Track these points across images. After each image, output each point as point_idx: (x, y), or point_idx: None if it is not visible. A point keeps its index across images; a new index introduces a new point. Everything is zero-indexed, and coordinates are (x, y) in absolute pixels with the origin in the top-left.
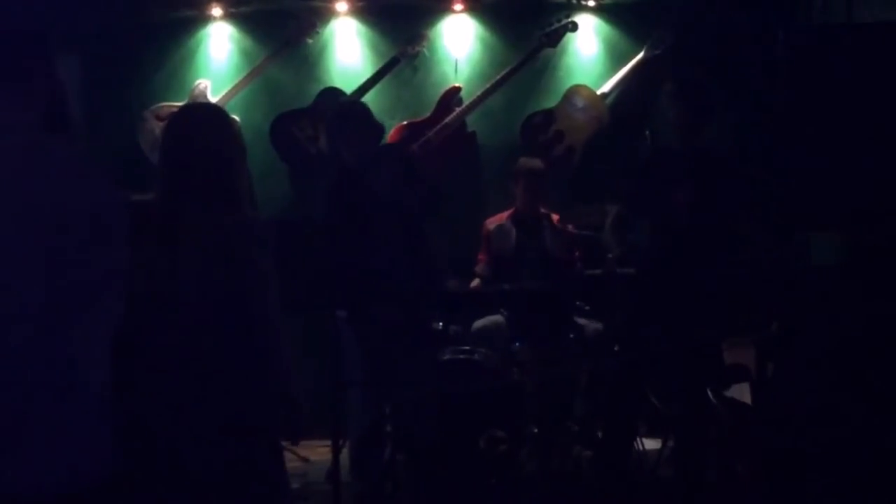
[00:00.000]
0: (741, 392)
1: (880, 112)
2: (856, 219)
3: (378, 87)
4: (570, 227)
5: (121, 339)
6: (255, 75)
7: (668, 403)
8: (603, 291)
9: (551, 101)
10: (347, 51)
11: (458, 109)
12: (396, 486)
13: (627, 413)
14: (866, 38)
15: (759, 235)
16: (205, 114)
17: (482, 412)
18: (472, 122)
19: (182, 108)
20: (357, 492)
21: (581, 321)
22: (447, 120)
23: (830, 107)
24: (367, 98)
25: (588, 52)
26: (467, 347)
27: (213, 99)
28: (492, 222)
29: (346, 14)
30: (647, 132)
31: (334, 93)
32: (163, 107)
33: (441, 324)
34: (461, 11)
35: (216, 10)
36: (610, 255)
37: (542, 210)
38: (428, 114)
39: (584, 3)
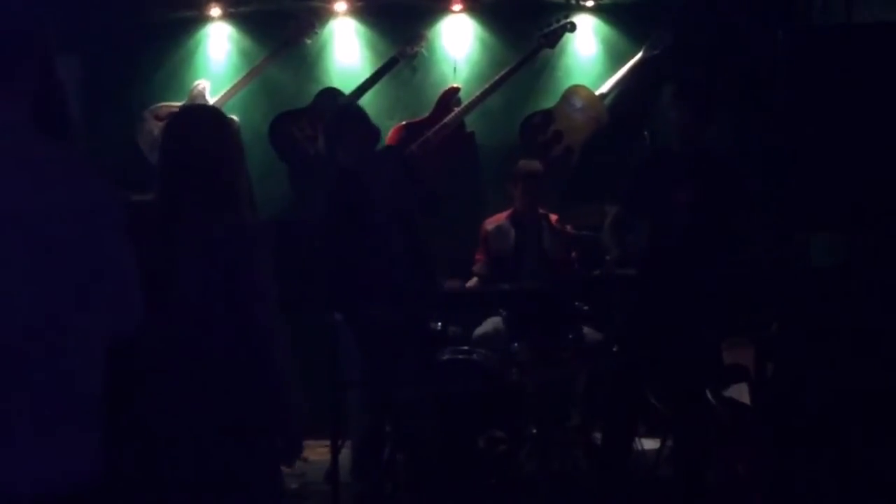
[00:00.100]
0: (740, 392)
1: (880, 112)
2: (855, 220)
3: (377, 87)
4: (568, 227)
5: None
6: (254, 75)
7: (667, 404)
8: (601, 292)
9: (550, 102)
10: (346, 51)
11: (456, 110)
12: (396, 486)
13: (626, 413)
14: (866, 39)
15: (759, 236)
16: (203, 116)
17: (481, 412)
18: (470, 122)
19: (181, 111)
20: (356, 492)
21: (585, 330)
22: (446, 120)
23: (830, 107)
24: (366, 98)
25: (587, 52)
26: (466, 348)
27: (212, 99)
28: (490, 223)
29: (345, 14)
30: (646, 132)
31: (333, 93)
32: (162, 107)
33: (440, 324)
34: (460, 12)
35: (215, 11)
36: (608, 257)
37: (541, 210)
38: (427, 114)
39: (582, 3)
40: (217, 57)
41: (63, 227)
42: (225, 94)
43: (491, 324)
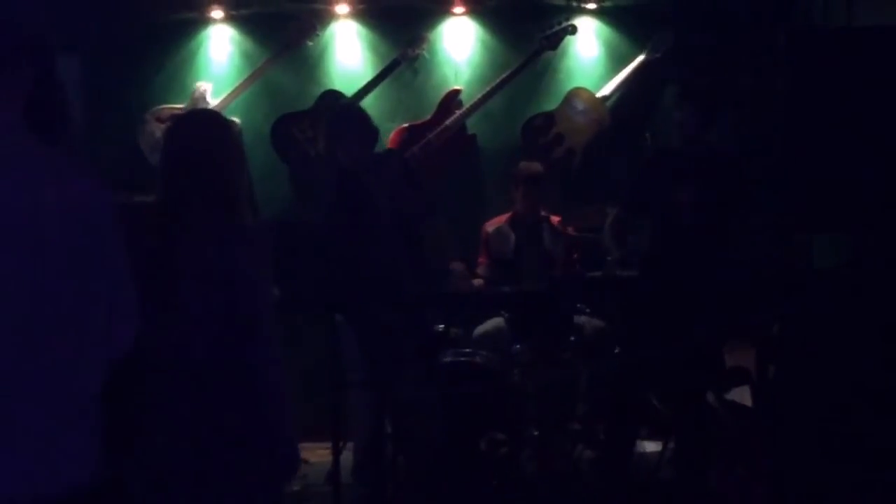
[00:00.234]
0: (742, 395)
1: (881, 114)
2: (857, 221)
3: (378, 89)
4: (570, 229)
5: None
6: (256, 77)
7: (668, 406)
8: (603, 293)
9: (551, 104)
10: (348, 53)
11: (458, 112)
12: (397, 487)
13: (628, 415)
14: (867, 41)
15: (761, 237)
16: (205, 119)
17: (483, 414)
18: (472, 124)
19: (183, 115)
20: (357, 494)
21: (581, 319)
22: (447, 122)
23: (831, 109)
24: (368, 101)
25: (588, 54)
26: (468, 350)
27: (214, 101)
28: (491, 225)
29: (347, 16)
30: (648, 135)
31: (335, 95)
32: (163, 109)
33: (442, 326)
34: (461, 14)
35: (217, 13)
36: (609, 258)
37: (542, 212)
38: (428, 116)
39: (584, 5)
40: (219, 59)
41: (57, 229)
42: (227, 96)
43: (492, 323)
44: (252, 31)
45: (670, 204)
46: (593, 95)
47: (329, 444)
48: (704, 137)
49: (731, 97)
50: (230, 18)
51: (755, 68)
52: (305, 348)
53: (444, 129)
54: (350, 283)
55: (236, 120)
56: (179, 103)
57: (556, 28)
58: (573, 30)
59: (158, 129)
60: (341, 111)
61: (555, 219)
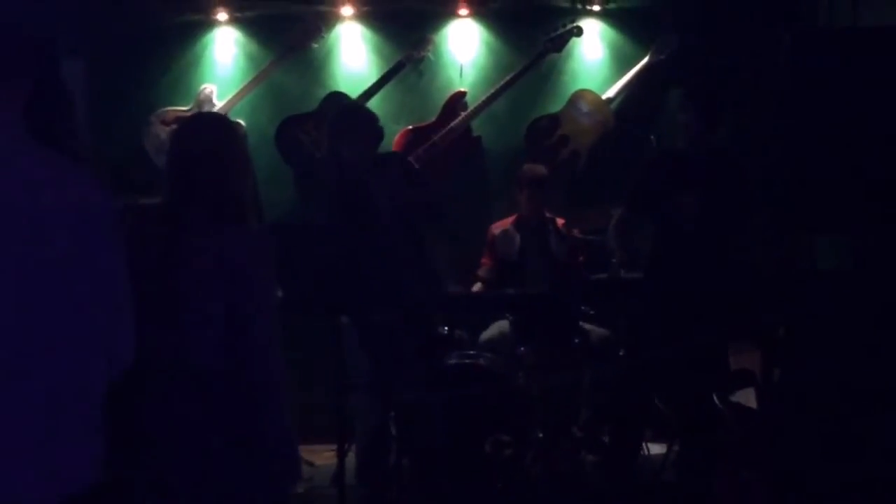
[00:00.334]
0: (747, 397)
1: (885, 115)
2: (861, 222)
3: (383, 91)
4: (575, 231)
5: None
6: (261, 80)
7: (673, 408)
8: (608, 296)
9: (556, 106)
10: (353, 55)
11: (463, 114)
12: (402, 490)
13: (633, 417)
14: (871, 42)
15: (765, 239)
16: (211, 123)
17: (487, 416)
18: (477, 126)
19: (189, 118)
20: (362, 495)
21: (587, 327)
22: (452, 124)
23: (836, 110)
24: (373, 102)
25: (593, 56)
26: (473, 352)
27: (219, 103)
28: (497, 227)
29: (352, 18)
30: (652, 137)
31: (339, 97)
32: (168, 111)
33: (446, 328)
34: (466, 16)
35: (222, 15)
36: (614, 260)
37: (547, 214)
38: (433, 118)
39: (589, 7)
40: (223, 61)
41: (55, 233)
42: (231, 98)
43: (497, 328)
44: (257, 33)
45: (674, 206)
46: (598, 97)
47: (334, 446)
48: (709, 139)
49: (735, 99)
50: (235, 20)
51: (759, 69)
52: (310, 350)
53: (448, 131)
54: (352, 284)
55: (241, 122)
56: (185, 105)
57: (561, 30)
58: (578, 32)
59: (163, 131)
60: (346, 110)
61: (559, 221)
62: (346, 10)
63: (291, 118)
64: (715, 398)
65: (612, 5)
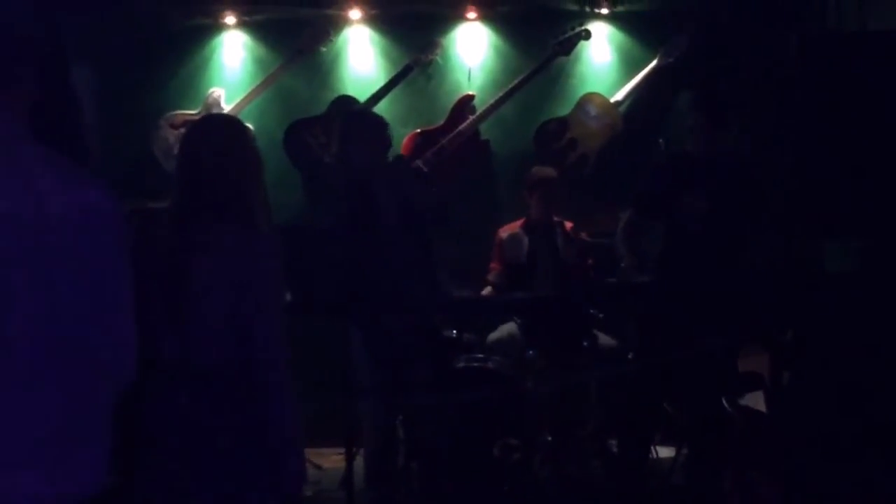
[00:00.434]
0: (755, 400)
1: (893, 119)
2: (870, 226)
3: (391, 94)
4: (583, 234)
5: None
6: (269, 83)
7: (682, 411)
8: (616, 299)
9: (565, 109)
10: (361, 59)
11: (471, 117)
12: (410, 493)
13: (642, 421)
14: (879, 46)
15: (773, 242)
16: (222, 125)
17: (496, 420)
18: (485, 129)
19: (200, 119)
20: (371, 499)
21: (595, 333)
22: (460, 128)
23: (844, 114)
24: (381, 106)
25: (601, 59)
26: (481, 355)
27: (227, 107)
28: (504, 230)
29: (360, 22)
30: (661, 140)
31: (348, 101)
32: (177, 115)
33: (455, 332)
34: (474, 20)
35: (230, 19)
36: (623, 264)
37: (556, 218)
38: (441, 122)
39: (597, 11)
40: (232, 65)
41: (63, 239)
42: (240, 101)
43: (505, 329)
44: (265, 36)
45: (683, 209)
46: (606, 100)
47: (342, 450)
48: (717, 142)
49: (743, 102)
50: (243, 24)
51: (767, 73)
52: (318, 353)
53: (457, 135)
54: (358, 288)
55: (249, 126)
56: (193, 109)
57: (570, 33)
58: (586, 35)
59: (172, 135)
60: (355, 115)
61: (568, 224)
62: (355, 14)
63: (300, 122)
64: (724, 401)
65: (620, 8)
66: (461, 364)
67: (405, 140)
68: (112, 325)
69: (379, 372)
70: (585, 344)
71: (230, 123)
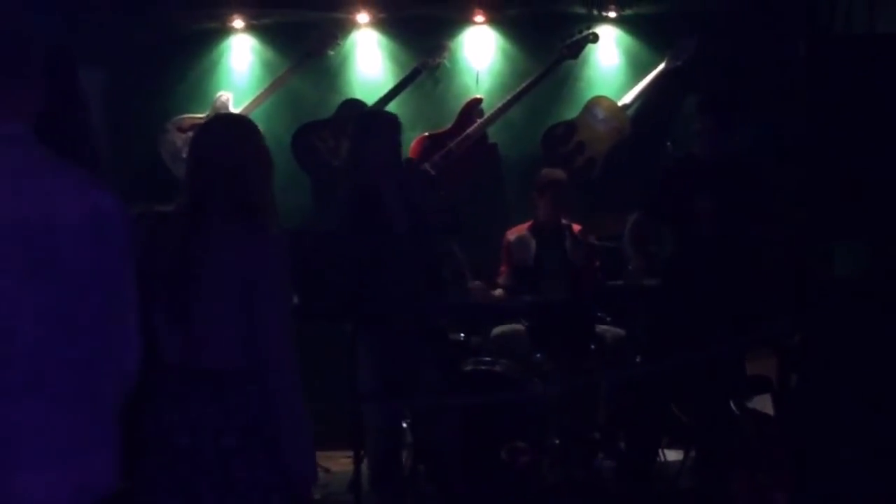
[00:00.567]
0: (763, 403)
1: None
2: (879, 229)
3: (399, 98)
4: (590, 237)
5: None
6: (277, 87)
7: (690, 414)
8: (624, 302)
9: (572, 113)
10: (369, 62)
11: (479, 121)
12: (418, 496)
13: (650, 424)
14: (889, 48)
15: (781, 245)
16: (233, 125)
17: (504, 423)
18: (493, 133)
19: (210, 119)
20: (377, 502)
21: (601, 328)
22: (468, 131)
23: (853, 116)
24: (389, 109)
25: (609, 63)
26: (489, 358)
27: (235, 111)
28: (512, 233)
29: (368, 26)
30: (669, 143)
31: (356, 104)
32: (185, 118)
33: (462, 335)
34: (482, 23)
35: (238, 23)
36: (630, 267)
37: (564, 221)
38: (449, 125)
39: (604, 14)
40: (240, 68)
41: (70, 244)
42: (248, 105)
43: (509, 326)
44: (273, 40)
45: (691, 213)
46: (614, 104)
47: (350, 453)
48: (725, 146)
49: (751, 105)
50: (251, 28)
51: (775, 75)
52: (326, 357)
53: (464, 138)
54: (365, 292)
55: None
56: (201, 113)
57: (577, 37)
58: (594, 38)
59: (180, 139)
60: (368, 113)
61: (576, 227)
62: (362, 17)
63: (308, 125)
64: (732, 404)
65: (627, 11)
66: (469, 367)
67: (413, 143)
68: (119, 327)
69: (385, 375)
70: (593, 347)
71: (241, 123)
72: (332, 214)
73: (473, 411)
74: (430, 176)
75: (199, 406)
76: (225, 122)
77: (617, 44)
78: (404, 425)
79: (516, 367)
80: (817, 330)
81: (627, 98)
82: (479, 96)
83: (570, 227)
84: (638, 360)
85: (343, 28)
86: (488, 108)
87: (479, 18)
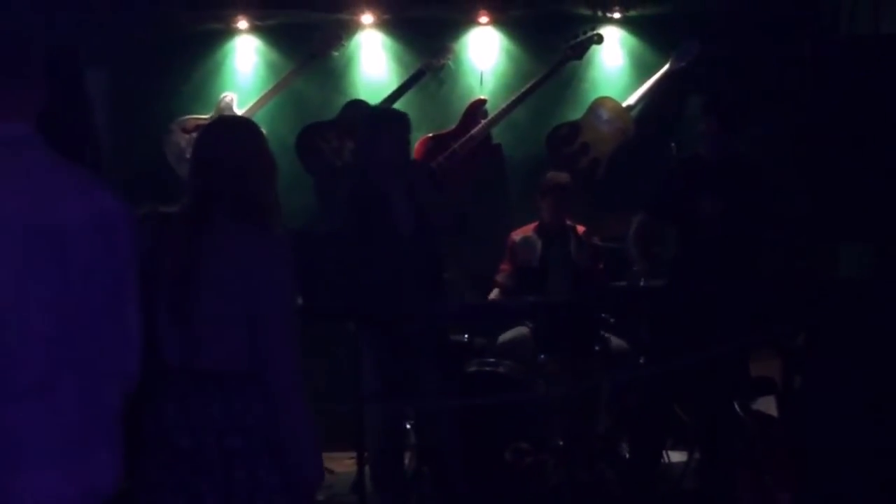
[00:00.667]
0: (767, 405)
1: None
2: (884, 230)
3: (403, 99)
4: (595, 238)
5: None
6: (281, 88)
7: (694, 415)
8: (628, 304)
9: (577, 113)
10: (373, 63)
11: (483, 122)
12: (422, 497)
13: (654, 425)
14: (894, 49)
15: (786, 247)
16: (236, 126)
17: (507, 424)
18: (497, 134)
19: (213, 120)
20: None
21: (606, 335)
22: (472, 132)
23: (858, 117)
24: None
25: (613, 64)
26: (493, 360)
27: (239, 112)
28: (517, 234)
29: (372, 26)
30: (673, 144)
31: (360, 105)
32: (189, 119)
33: (466, 336)
34: (486, 24)
35: (242, 23)
36: (635, 268)
37: (568, 222)
38: (453, 126)
39: (609, 15)
40: (244, 69)
41: (74, 245)
42: (252, 106)
43: (516, 330)
44: (277, 41)
45: (695, 214)
46: (618, 105)
47: (354, 454)
48: (729, 147)
49: (755, 106)
50: (255, 29)
51: (780, 76)
52: (329, 357)
53: (469, 139)
54: (368, 293)
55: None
56: (205, 113)
57: (582, 37)
58: (599, 39)
59: (184, 139)
60: (376, 112)
61: (580, 228)
62: (367, 18)
63: (312, 126)
64: (736, 406)
65: (632, 13)
66: (472, 368)
67: (417, 144)
68: (120, 327)
69: (387, 376)
70: (598, 348)
71: (243, 124)
72: (335, 215)
73: (477, 412)
74: (435, 177)
75: (202, 407)
76: (227, 124)
77: (621, 45)
78: (408, 426)
79: (520, 368)
80: (821, 331)
81: (632, 99)
82: (483, 97)
83: (574, 229)
84: (641, 360)
85: (347, 29)
86: (492, 109)
87: (484, 19)
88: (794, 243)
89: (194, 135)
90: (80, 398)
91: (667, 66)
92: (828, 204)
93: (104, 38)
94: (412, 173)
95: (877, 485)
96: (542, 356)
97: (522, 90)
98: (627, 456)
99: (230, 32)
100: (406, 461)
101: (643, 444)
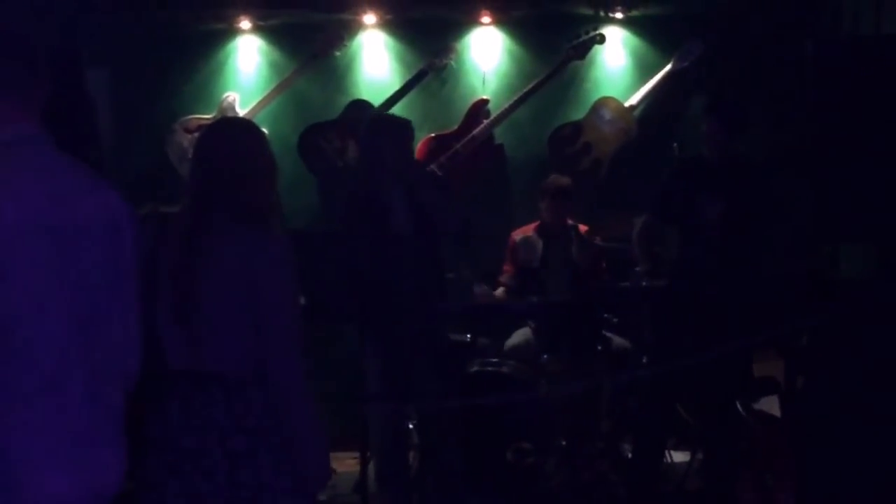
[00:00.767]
0: (770, 405)
1: None
2: (886, 231)
3: (406, 99)
4: (597, 238)
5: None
6: (284, 88)
7: (697, 416)
8: (630, 304)
9: (579, 114)
10: (375, 63)
11: (485, 122)
12: (424, 497)
13: (656, 425)
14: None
15: (788, 247)
16: (237, 128)
17: (510, 424)
18: (499, 134)
19: (214, 122)
20: (383, 502)
21: (608, 335)
22: (475, 132)
23: (861, 118)
24: (395, 111)
25: (616, 64)
26: (495, 360)
27: (242, 111)
28: (518, 234)
29: (374, 27)
30: (675, 144)
31: (362, 105)
32: (191, 119)
33: (469, 336)
34: (489, 24)
35: (245, 23)
36: (638, 268)
37: (570, 222)
38: (455, 126)
39: (611, 15)
40: (246, 69)
41: (82, 244)
42: (254, 106)
43: (522, 335)
44: (279, 41)
45: (698, 214)
46: (621, 105)
47: (356, 454)
48: (732, 148)
49: (758, 106)
50: (258, 29)
51: (782, 76)
52: (332, 357)
53: (471, 139)
54: (370, 293)
55: (264, 130)
56: (207, 113)
57: (584, 37)
58: (601, 39)
59: (186, 139)
60: (379, 117)
61: (582, 228)
62: (369, 18)
63: (314, 126)
64: (738, 406)
65: (634, 13)
66: (475, 368)
67: (419, 144)
68: (122, 327)
69: (390, 376)
70: (600, 348)
71: (244, 126)
72: (338, 216)
73: (479, 412)
74: (439, 179)
75: (205, 408)
76: (228, 126)
77: (624, 45)
78: (410, 426)
79: (522, 368)
80: (824, 331)
81: (634, 99)
82: (485, 97)
83: (576, 228)
84: (644, 360)
85: (350, 29)
86: (495, 109)
87: (486, 19)
88: (796, 244)
89: (197, 135)
90: (88, 398)
91: (669, 67)
92: (830, 204)
93: (106, 38)
94: (417, 175)
95: (877, 485)
96: (545, 356)
97: (525, 90)
98: (630, 456)
99: (232, 32)
100: (409, 461)
101: (645, 444)
